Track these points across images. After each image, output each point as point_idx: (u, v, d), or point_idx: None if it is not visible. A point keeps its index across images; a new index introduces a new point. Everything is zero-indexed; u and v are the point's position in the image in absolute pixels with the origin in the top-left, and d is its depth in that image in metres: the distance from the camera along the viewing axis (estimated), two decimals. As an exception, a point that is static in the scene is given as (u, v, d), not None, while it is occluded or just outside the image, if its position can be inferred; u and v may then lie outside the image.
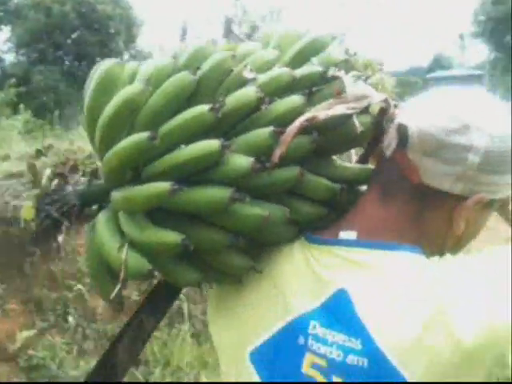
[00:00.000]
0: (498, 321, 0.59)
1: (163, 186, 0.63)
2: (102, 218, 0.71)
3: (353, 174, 0.76)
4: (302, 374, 0.67)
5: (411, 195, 0.68)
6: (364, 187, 0.76)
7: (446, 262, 0.66)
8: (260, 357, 0.70)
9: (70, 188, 0.75)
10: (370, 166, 0.77)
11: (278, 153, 0.66)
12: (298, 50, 0.77)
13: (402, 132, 0.66)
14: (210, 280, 0.75)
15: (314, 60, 0.75)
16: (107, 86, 0.70)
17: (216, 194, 0.65)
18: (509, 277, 0.61)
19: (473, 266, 0.64)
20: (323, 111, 0.68)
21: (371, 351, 0.62)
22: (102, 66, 0.72)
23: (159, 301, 0.87)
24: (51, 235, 0.75)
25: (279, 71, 0.71)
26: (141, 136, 0.64)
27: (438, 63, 26.21)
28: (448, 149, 0.65)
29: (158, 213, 0.67)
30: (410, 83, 19.16)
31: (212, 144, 0.65)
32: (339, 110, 0.68)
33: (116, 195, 0.68)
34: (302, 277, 0.70)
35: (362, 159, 0.79)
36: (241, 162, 0.66)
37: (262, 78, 0.70)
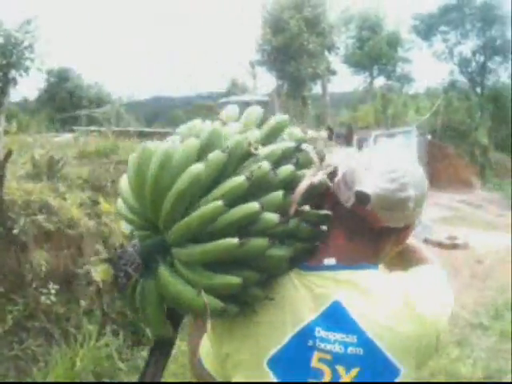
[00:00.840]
0: (439, 306, 1.04)
1: (232, 241, 0.90)
2: (165, 272, 0.93)
3: (319, 217, 1.06)
4: (311, 368, 0.95)
5: (371, 232, 1.03)
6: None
7: (395, 273, 1.08)
8: (276, 362, 0.96)
9: (130, 248, 0.94)
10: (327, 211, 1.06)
11: (293, 208, 0.97)
12: (271, 130, 1.08)
13: (363, 196, 0.96)
14: (236, 310, 0.97)
15: (285, 136, 1.09)
16: (165, 165, 0.92)
17: (260, 243, 0.92)
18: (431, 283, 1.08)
19: (409, 276, 1.07)
20: (313, 178, 1.01)
21: (365, 342, 0.95)
22: (151, 149, 0.95)
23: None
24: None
25: (276, 146, 1.03)
26: (216, 205, 0.90)
27: (234, 89, 27.18)
28: (396, 202, 1.00)
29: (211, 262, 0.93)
30: (206, 107, 19.49)
31: (254, 206, 0.92)
32: (319, 176, 1.02)
33: (194, 250, 0.92)
34: (304, 297, 0.99)
35: (318, 207, 1.07)
36: (271, 217, 0.94)
37: (264, 152, 1.00)
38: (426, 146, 22.70)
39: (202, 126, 1.03)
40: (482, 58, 29.84)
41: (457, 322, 5.47)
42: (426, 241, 9.99)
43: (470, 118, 23.40)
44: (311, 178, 1.01)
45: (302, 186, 0.99)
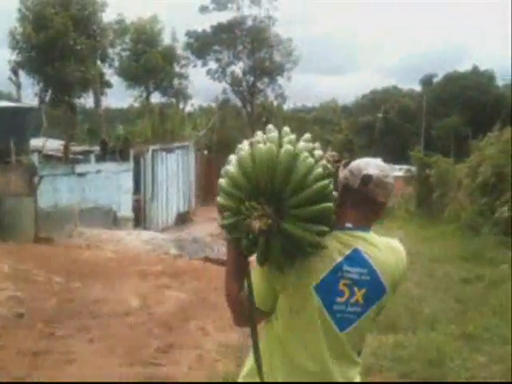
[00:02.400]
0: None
1: (329, 204, 1.46)
2: (288, 225, 1.43)
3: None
4: (338, 290, 1.55)
5: (369, 205, 1.63)
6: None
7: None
8: (319, 287, 1.54)
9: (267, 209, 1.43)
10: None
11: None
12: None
13: (368, 177, 1.61)
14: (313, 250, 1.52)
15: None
16: (289, 160, 1.41)
17: (331, 206, 1.47)
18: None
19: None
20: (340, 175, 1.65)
21: (371, 272, 1.57)
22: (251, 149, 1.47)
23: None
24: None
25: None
26: (324, 183, 1.43)
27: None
28: (386, 183, 1.63)
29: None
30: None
31: (331, 205, 1.46)
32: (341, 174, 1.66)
33: (309, 209, 1.42)
34: (335, 246, 1.56)
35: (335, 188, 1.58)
36: (335, 195, 1.52)
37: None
38: (203, 161, 22.88)
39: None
40: (251, 79, 31.90)
41: (243, 353, 4.72)
42: (206, 259, 9.43)
43: (242, 134, 24.35)
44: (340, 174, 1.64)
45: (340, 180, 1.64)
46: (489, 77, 41.92)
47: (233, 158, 1.52)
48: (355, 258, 1.57)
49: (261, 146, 1.43)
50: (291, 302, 1.56)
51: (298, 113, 39.24)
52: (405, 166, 19.53)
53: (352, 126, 42.08)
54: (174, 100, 27.34)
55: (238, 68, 32.45)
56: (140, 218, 15.11)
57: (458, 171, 19.20)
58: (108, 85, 24.69)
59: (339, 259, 1.55)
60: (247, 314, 1.58)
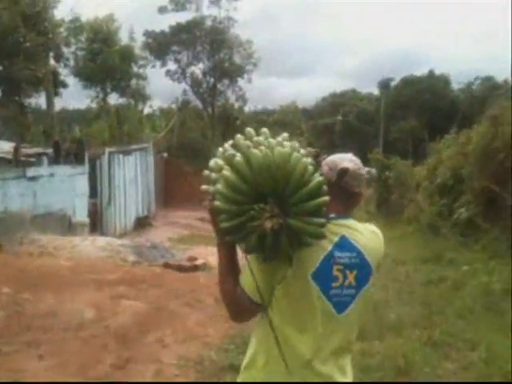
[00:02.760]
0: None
1: (326, 198, 1.55)
2: (294, 220, 1.54)
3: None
4: (333, 276, 1.68)
5: (347, 196, 1.79)
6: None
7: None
8: (315, 274, 1.65)
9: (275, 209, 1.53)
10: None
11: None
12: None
13: (344, 170, 1.75)
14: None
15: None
16: (285, 161, 1.53)
17: (328, 199, 1.57)
18: None
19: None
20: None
21: (359, 255, 1.72)
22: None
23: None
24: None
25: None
26: (321, 180, 1.56)
27: None
28: (359, 175, 1.81)
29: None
30: None
31: (327, 198, 1.55)
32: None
33: (310, 203, 1.53)
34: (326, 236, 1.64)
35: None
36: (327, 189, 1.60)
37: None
38: (162, 164, 22.47)
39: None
40: (212, 80, 31.54)
41: (204, 366, 4.48)
42: (166, 265, 9.11)
43: (203, 136, 24.04)
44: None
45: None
46: (444, 81, 43.12)
47: (213, 162, 1.67)
48: (344, 244, 1.71)
49: (255, 150, 1.53)
50: (290, 291, 1.66)
51: (259, 115, 39.13)
52: (366, 168, 19.70)
53: (312, 128, 42.46)
54: (132, 101, 26.67)
55: (197, 69, 32.09)
56: (96, 223, 14.61)
57: (416, 173, 19.57)
58: (63, 85, 23.83)
59: (330, 247, 1.68)
60: (261, 306, 1.69)
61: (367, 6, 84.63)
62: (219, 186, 1.56)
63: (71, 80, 25.34)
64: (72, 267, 8.20)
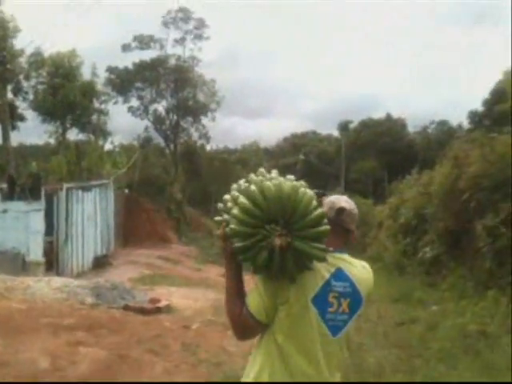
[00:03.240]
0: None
1: (328, 227, 1.79)
2: (299, 242, 1.76)
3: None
4: (328, 302, 1.88)
5: (343, 232, 2.03)
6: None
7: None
8: (315, 299, 1.85)
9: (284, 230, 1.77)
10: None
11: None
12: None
13: (342, 209, 2.01)
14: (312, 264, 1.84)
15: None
16: (296, 192, 1.77)
17: (328, 228, 1.80)
18: None
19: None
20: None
21: (353, 286, 1.94)
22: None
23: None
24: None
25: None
26: (323, 211, 1.80)
27: None
28: (354, 214, 2.06)
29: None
30: None
31: (328, 228, 1.78)
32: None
33: (314, 230, 1.76)
34: (324, 266, 1.87)
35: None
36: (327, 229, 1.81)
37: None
38: (123, 200, 21.87)
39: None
40: (175, 117, 31.45)
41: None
42: (126, 308, 8.60)
43: (165, 173, 23.68)
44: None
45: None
46: (401, 124, 44.76)
47: (228, 197, 1.92)
48: (339, 275, 1.92)
49: (268, 183, 1.78)
50: (292, 312, 1.85)
51: (221, 154, 39.24)
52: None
53: (273, 168, 42.59)
54: (92, 137, 26.13)
55: (161, 106, 32.00)
56: (52, 263, 13.87)
57: (377, 212, 19.81)
58: (21, 118, 23.14)
59: (327, 276, 1.89)
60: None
61: (325, 52, 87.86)
62: (235, 211, 1.77)
63: (30, 114, 24.72)
64: (25, 310, 7.61)
